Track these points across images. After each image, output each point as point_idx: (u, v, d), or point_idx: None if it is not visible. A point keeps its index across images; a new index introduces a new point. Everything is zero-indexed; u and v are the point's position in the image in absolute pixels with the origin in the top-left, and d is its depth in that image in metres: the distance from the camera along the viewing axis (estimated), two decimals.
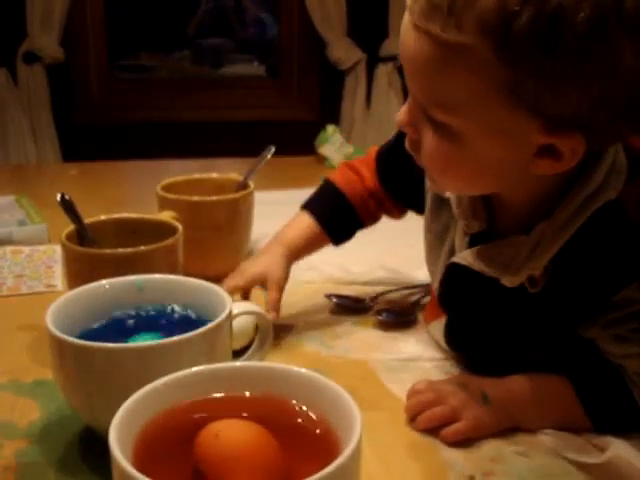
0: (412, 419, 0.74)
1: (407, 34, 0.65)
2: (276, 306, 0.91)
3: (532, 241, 0.71)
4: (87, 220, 0.93)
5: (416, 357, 0.87)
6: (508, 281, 0.74)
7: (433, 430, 0.73)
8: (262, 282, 0.95)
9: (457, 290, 0.83)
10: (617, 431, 0.72)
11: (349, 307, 1.00)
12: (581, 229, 0.70)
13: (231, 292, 0.89)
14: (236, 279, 0.94)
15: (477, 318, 0.82)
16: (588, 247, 0.72)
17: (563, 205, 0.70)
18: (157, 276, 0.76)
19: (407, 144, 0.74)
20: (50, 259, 1.17)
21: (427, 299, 1.03)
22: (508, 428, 0.74)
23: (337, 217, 1.01)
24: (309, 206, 1.02)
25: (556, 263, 0.72)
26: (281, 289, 0.94)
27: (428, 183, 0.84)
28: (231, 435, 0.48)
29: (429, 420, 0.73)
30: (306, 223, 1.01)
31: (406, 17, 0.65)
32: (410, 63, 0.66)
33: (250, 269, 0.95)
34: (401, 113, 0.73)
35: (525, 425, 0.74)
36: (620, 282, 0.71)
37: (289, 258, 0.97)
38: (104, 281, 0.73)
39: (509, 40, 0.57)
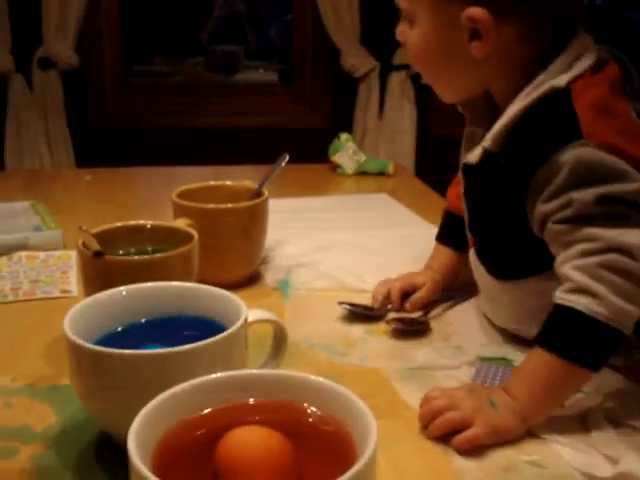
0: (425, 427, 0.75)
1: None
2: (417, 304, 1.03)
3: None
4: (102, 226, 0.94)
5: (429, 366, 0.87)
6: (471, 157, 0.86)
7: (446, 439, 0.73)
8: (415, 287, 1.05)
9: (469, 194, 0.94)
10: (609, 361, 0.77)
11: (362, 315, 1.00)
12: (530, 113, 0.80)
13: (384, 290, 1.04)
14: (391, 281, 1.05)
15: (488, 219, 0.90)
16: (533, 130, 0.80)
17: (525, 90, 0.81)
18: (173, 283, 0.76)
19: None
20: (65, 264, 1.18)
21: (439, 309, 1.03)
22: (519, 436, 0.74)
23: (450, 229, 1.10)
24: (437, 236, 1.13)
25: (509, 142, 0.82)
26: (430, 295, 1.04)
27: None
28: (251, 442, 0.48)
29: (442, 427, 0.73)
30: (437, 249, 1.12)
31: None
32: None
33: (409, 278, 1.06)
34: (397, 28, 0.92)
35: (534, 420, 0.74)
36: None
37: (439, 278, 1.07)
38: (121, 288, 0.74)
39: None
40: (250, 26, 4.38)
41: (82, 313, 0.70)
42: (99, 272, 0.86)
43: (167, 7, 4.55)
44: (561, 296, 0.76)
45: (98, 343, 0.67)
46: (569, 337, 0.75)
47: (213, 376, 0.56)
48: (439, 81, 0.92)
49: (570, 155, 0.77)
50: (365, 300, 1.03)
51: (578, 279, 0.74)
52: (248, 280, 1.11)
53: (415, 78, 0.97)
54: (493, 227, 0.90)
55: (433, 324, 0.98)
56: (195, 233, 0.92)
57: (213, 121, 3.02)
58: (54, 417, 0.76)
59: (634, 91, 4.30)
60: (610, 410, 0.78)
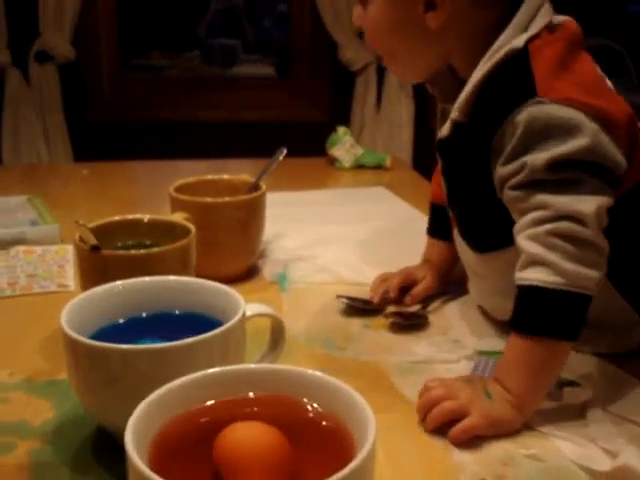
0: (423, 419, 0.75)
1: None
2: (417, 298, 1.03)
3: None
4: (99, 221, 0.93)
5: (428, 359, 0.87)
6: (442, 131, 0.87)
7: (444, 432, 0.73)
8: (414, 281, 1.05)
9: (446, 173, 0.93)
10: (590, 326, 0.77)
11: (360, 309, 1.00)
12: (491, 77, 0.80)
13: (383, 284, 1.04)
14: (390, 275, 1.05)
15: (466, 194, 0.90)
16: (493, 94, 0.80)
17: (485, 56, 0.81)
18: (171, 278, 0.76)
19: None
20: (62, 259, 1.18)
21: (437, 303, 1.03)
22: (516, 428, 0.74)
23: (438, 222, 1.09)
24: (428, 230, 1.12)
25: (474, 109, 0.82)
26: (429, 288, 1.04)
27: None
28: (249, 438, 0.48)
29: (439, 416, 0.73)
30: (430, 243, 1.11)
31: None
32: None
33: (408, 272, 1.06)
34: (353, 11, 0.92)
35: (530, 407, 0.74)
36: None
37: (437, 271, 1.07)
38: (118, 282, 0.74)
39: None
40: (247, 19, 4.38)
41: (79, 308, 0.70)
42: (96, 267, 0.86)
43: (164, 0, 4.54)
44: (518, 275, 0.76)
45: (95, 337, 0.67)
46: (536, 315, 0.75)
47: (210, 371, 0.55)
48: (399, 60, 0.91)
49: (525, 114, 0.76)
50: (363, 294, 1.03)
51: (530, 250, 0.75)
52: (246, 274, 1.11)
53: None
54: (469, 199, 0.90)
55: (431, 318, 0.98)
56: (193, 227, 0.91)
57: (210, 114, 3.02)
58: (52, 412, 0.75)
59: (631, 83, 4.30)
60: (609, 404, 0.78)
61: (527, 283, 0.75)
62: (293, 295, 1.05)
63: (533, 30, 0.81)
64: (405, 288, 1.04)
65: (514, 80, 0.79)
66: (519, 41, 0.80)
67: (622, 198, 0.79)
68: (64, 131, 2.85)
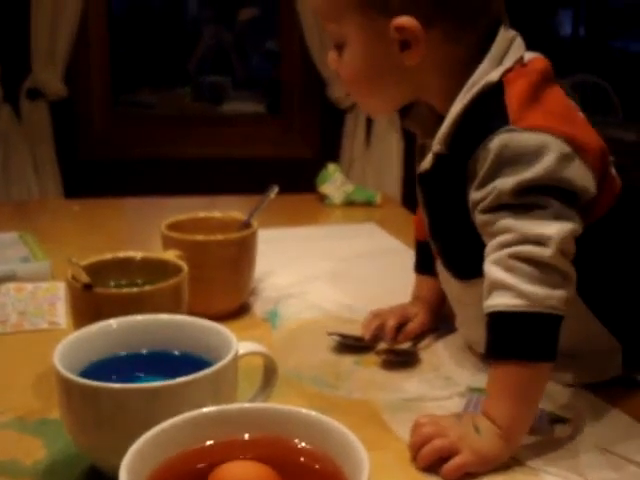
0: (415, 457, 0.75)
1: None
2: (410, 335, 1.03)
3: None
4: (92, 258, 0.94)
5: (419, 397, 0.88)
6: (424, 164, 0.88)
7: (437, 471, 0.73)
8: (407, 318, 1.05)
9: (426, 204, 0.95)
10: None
11: (351, 346, 1.00)
12: (469, 110, 0.83)
13: (375, 321, 1.03)
14: (383, 313, 1.05)
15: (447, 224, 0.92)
16: (471, 125, 0.82)
17: (463, 91, 0.83)
18: (163, 316, 0.76)
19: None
20: (53, 296, 1.18)
21: (428, 339, 1.03)
22: (508, 467, 0.74)
23: (424, 258, 1.08)
24: (415, 267, 1.13)
25: (452, 142, 0.84)
26: (423, 325, 1.05)
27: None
28: (242, 477, 0.48)
29: (429, 454, 0.73)
30: (418, 280, 1.11)
31: None
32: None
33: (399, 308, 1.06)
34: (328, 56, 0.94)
35: (517, 434, 0.75)
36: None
37: (429, 307, 1.07)
38: (111, 320, 0.74)
39: None
40: (237, 56, 4.41)
41: (72, 346, 0.70)
42: (89, 305, 0.86)
43: (154, 37, 4.57)
44: (485, 303, 0.78)
45: (86, 375, 0.67)
46: (507, 339, 0.76)
47: (204, 410, 0.56)
48: (374, 98, 0.93)
49: (497, 141, 0.78)
50: (354, 330, 1.03)
51: (493, 274, 0.77)
52: (237, 311, 1.11)
53: (401, 109, 0.99)
54: (451, 228, 0.91)
55: (422, 355, 0.98)
56: (185, 265, 0.92)
57: (201, 151, 3.03)
58: (43, 451, 0.75)
59: (617, 119, 4.35)
60: (599, 439, 0.78)
61: (492, 310, 0.76)
62: (284, 332, 1.06)
63: (507, 64, 0.84)
64: (398, 326, 1.04)
65: (489, 111, 0.82)
66: (495, 75, 0.82)
67: (595, 225, 0.82)
68: (55, 167, 2.86)
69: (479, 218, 0.81)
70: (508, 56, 0.84)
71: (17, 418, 0.81)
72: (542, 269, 0.75)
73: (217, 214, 1.18)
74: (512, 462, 0.74)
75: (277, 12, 3.21)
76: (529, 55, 0.87)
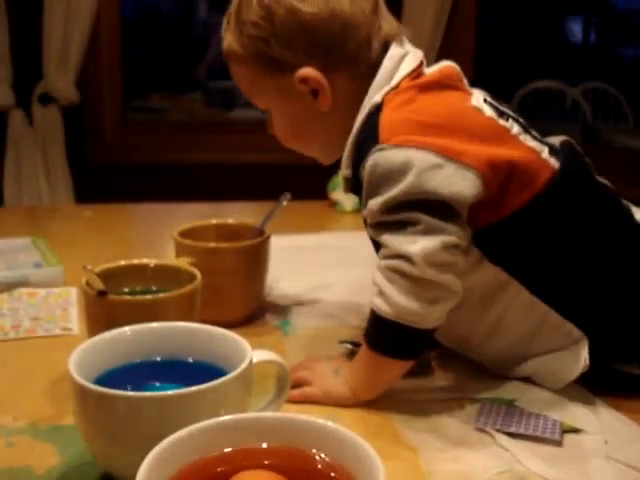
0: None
1: None
2: None
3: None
4: (106, 265, 0.94)
5: (432, 405, 0.88)
6: (343, 187, 0.98)
7: (450, 476, 0.73)
8: None
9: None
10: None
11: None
12: (358, 133, 0.88)
13: None
14: None
15: None
16: (357, 149, 0.89)
17: (358, 116, 0.89)
18: (178, 324, 0.77)
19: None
20: (65, 301, 1.18)
21: (440, 348, 1.03)
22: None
23: None
24: None
25: (352, 164, 0.90)
26: None
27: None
28: None
29: (298, 396, 0.87)
30: None
31: None
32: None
33: None
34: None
35: (364, 396, 0.87)
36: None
37: None
38: (126, 328, 0.74)
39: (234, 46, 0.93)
40: None
41: (87, 353, 0.70)
42: (103, 311, 0.86)
43: (165, 43, 4.59)
44: (371, 299, 0.84)
45: (101, 382, 0.68)
46: (374, 334, 0.85)
47: (220, 419, 0.56)
48: (314, 148, 1.01)
49: (370, 161, 0.83)
50: None
51: (377, 280, 0.83)
52: (249, 319, 1.11)
53: None
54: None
55: (435, 363, 0.98)
56: (198, 273, 0.92)
57: (212, 157, 3.03)
58: (56, 458, 0.75)
59: (628, 126, 4.34)
60: (611, 450, 0.78)
61: (372, 306, 0.84)
62: (296, 340, 1.06)
63: (393, 82, 0.88)
64: None
65: (368, 132, 0.86)
66: (377, 97, 0.88)
67: (526, 214, 0.84)
68: (66, 172, 2.87)
69: (368, 232, 0.88)
70: (396, 74, 0.89)
71: (30, 424, 0.82)
72: (414, 283, 0.80)
73: (230, 221, 1.19)
74: (523, 471, 0.74)
75: None
76: (436, 66, 0.91)
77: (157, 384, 0.71)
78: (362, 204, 0.87)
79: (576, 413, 0.85)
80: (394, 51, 0.91)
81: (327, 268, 1.36)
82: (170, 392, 0.64)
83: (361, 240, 1.57)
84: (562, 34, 5.64)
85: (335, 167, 1.87)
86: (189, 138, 3.12)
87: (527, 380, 0.91)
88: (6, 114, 2.80)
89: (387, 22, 0.92)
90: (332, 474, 0.52)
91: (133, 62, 4.01)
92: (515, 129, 0.88)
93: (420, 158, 0.80)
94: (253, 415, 0.58)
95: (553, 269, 0.87)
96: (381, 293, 0.82)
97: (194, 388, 0.64)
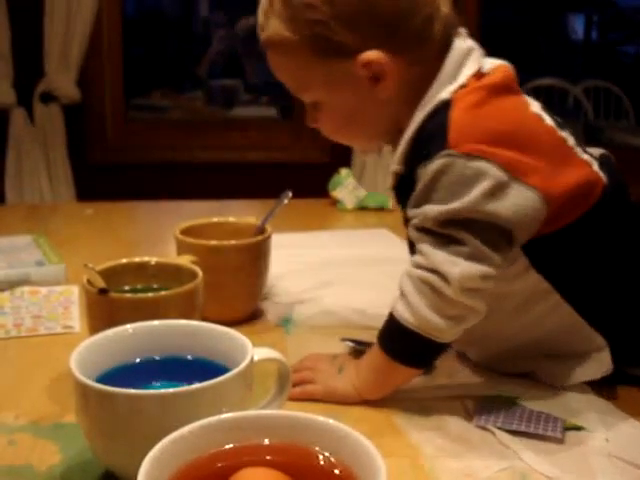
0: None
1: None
2: None
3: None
4: (107, 263, 0.94)
5: (434, 402, 0.88)
6: (387, 182, 0.92)
7: (452, 474, 0.73)
8: None
9: None
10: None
11: (365, 352, 1.00)
12: (420, 129, 0.84)
13: None
14: None
15: None
16: (419, 145, 0.84)
17: (418, 109, 0.86)
18: (179, 322, 0.77)
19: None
20: (67, 300, 1.18)
21: None
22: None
23: None
24: None
25: (407, 161, 0.86)
26: None
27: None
28: None
29: (300, 394, 0.86)
30: None
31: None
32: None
33: None
34: (306, 118, 0.96)
35: (369, 397, 0.86)
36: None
37: None
38: (128, 326, 0.74)
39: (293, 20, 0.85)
40: (248, 60, 4.42)
41: (88, 351, 0.70)
42: (104, 309, 0.86)
43: (166, 41, 4.58)
44: (393, 304, 0.84)
45: (103, 380, 0.68)
46: (390, 338, 0.85)
47: (221, 417, 0.56)
48: (359, 139, 0.97)
49: (435, 165, 0.80)
50: (367, 336, 1.03)
51: (405, 286, 0.82)
52: (250, 316, 1.11)
53: None
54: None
55: (436, 361, 0.98)
56: (199, 271, 0.92)
57: (213, 155, 3.04)
58: (58, 456, 0.75)
59: (629, 124, 4.33)
60: (613, 448, 0.78)
61: (393, 311, 0.83)
62: (297, 338, 1.06)
63: (462, 79, 0.84)
64: None
65: (433, 131, 0.83)
66: (445, 93, 0.84)
67: (574, 227, 0.83)
68: (67, 171, 2.87)
69: (410, 232, 0.84)
70: (463, 71, 0.85)
71: (32, 422, 0.82)
72: (444, 301, 0.80)
73: (231, 219, 1.19)
74: (524, 469, 0.74)
75: None
76: (491, 64, 0.87)
77: (158, 382, 0.71)
78: (408, 202, 0.85)
79: (578, 411, 0.85)
80: (459, 43, 0.87)
81: (328, 266, 1.36)
82: (171, 390, 0.64)
83: (362, 238, 1.58)
84: (564, 32, 5.63)
85: (336, 165, 1.88)
86: (190, 136, 3.12)
87: (529, 378, 0.91)
88: (7, 112, 2.81)
89: (443, 3, 0.87)
90: (334, 471, 0.52)
91: (134, 60, 4.01)
92: (570, 140, 0.87)
93: (488, 174, 0.78)
94: (254, 412, 0.58)
95: (592, 281, 0.87)
96: (406, 301, 0.81)
97: (195, 386, 0.64)
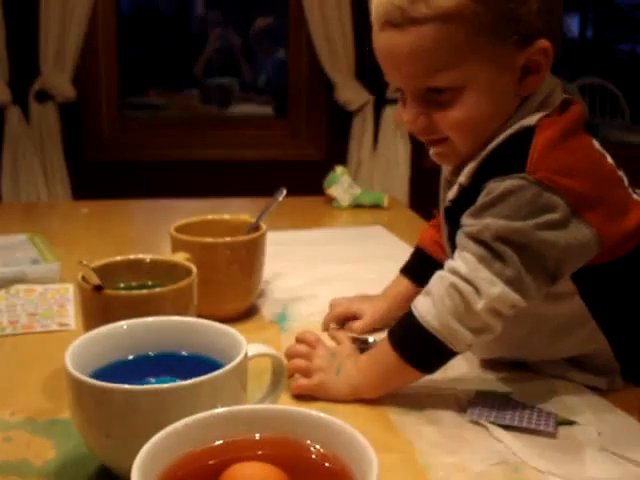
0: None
1: (391, 39, 0.83)
2: (359, 331, 1.06)
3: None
4: (102, 260, 0.94)
5: (427, 397, 0.88)
6: (450, 194, 0.89)
7: (445, 473, 0.73)
8: (355, 314, 1.09)
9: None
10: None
11: (359, 348, 0.99)
12: (499, 149, 0.84)
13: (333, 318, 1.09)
14: (340, 308, 1.10)
15: None
16: (494, 165, 0.83)
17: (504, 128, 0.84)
18: (173, 318, 0.77)
19: (419, 133, 0.88)
20: (63, 297, 1.19)
21: None
22: (513, 469, 0.74)
23: (415, 263, 1.12)
24: (402, 268, 1.14)
25: (477, 176, 0.85)
26: (369, 325, 1.07)
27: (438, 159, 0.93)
28: (252, 477, 0.49)
29: (290, 368, 0.87)
30: (397, 279, 1.13)
31: (379, 27, 0.84)
32: (403, 59, 0.83)
33: (355, 303, 1.10)
34: (406, 114, 0.87)
35: (367, 395, 0.85)
36: None
37: (385, 308, 1.09)
38: (122, 322, 0.75)
39: None
40: (244, 59, 4.42)
41: (83, 347, 0.71)
42: (99, 306, 0.87)
43: (162, 39, 4.58)
44: (417, 298, 0.84)
45: (97, 376, 0.68)
46: (405, 336, 0.84)
47: (215, 411, 0.56)
48: (473, 142, 0.86)
49: (507, 184, 0.80)
50: (372, 335, 1.04)
51: (435, 287, 0.82)
52: (245, 313, 1.12)
53: None
54: None
55: None
56: (194, 268, 0.93)
57: (208, 154, 3.04)
58: (53, 451, 0.76)
59: (625, 122, 4.34)
60: (606, 442, 0.78)
61: (413, 308, 0.83)
62: (292, 335, 1.05)
63: (547, 109, 0.84)
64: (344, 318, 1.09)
65: (513, 154, 0.82)
66: (532, 119, 0.83)
67: (623, 259, 0.84)
68: (63, 169, 2.87)
69: (459, 238, 0.84)
70: (550, 100, 0.85)
71: (27, 419, 0.82)
72: (469, 312, 0.80)
73: (226, 217, 1.19)
74: (518, 463, 0.75)
75: (286, 16, 3.21)
76: (561, 92, 0.87)
77: (153, 378, 0.71)
78: (468, 210, 0.83)
79: (570, 406, 0.85)
80: (551, 75, 0.86)
81: (323, 263, 1.36)
82: (166, 385, 0.64)
83: (357, 235, 1.59)
84: (559, 29, 5.63)
85: (332, 163, 1.88)
86: (186, 135, 3.12)
87: (522, 373, 0.92)
88: (3, 111, 2.81)
89: None
90: (326, 464, 0.53)
91: (130, 59, 4.01)
92: (626, 180, 0.88)
93: (554, 206, 0.79)
94: (247, 407, 0.58)
95: (630, 312, 0.89)
96: (433, 304, 0.81)
97: (190, 381, 0.64)
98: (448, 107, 0.84)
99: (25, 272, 1.25)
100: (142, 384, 0.68)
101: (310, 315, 1.12)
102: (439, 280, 0.82)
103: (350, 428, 0.53)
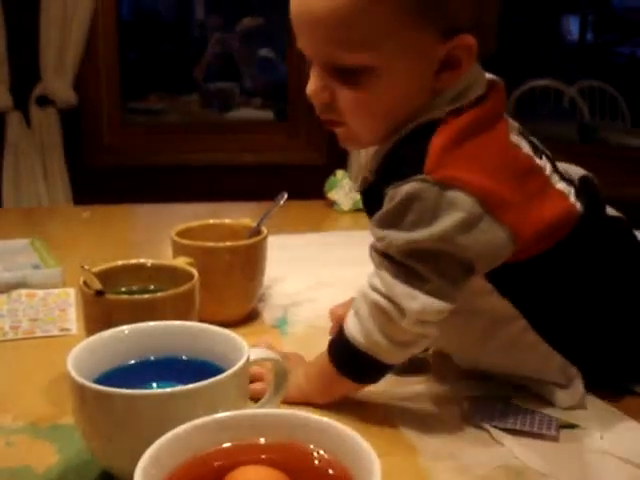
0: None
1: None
2: None
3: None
4: (103, 265, 0.94)
5: (429, 402, 0.88)
6: (358, 186, 0.89)
7: (448, 472, 0.73)
8: None
9: None
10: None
11: None
12: (402, 141, 0.81)
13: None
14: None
15: None
16: (394, 160, 0.81)
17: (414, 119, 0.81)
18: (175, 323, 0.77)
19: (319, 110, 0.85)
20: (64, 302, 1.19)
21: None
22: (516, 472, 0.74)
23: None
24: None
25: (380, 170, 0.83)
26: None
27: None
28: None
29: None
30: None
31: None
32: (315, 21, 0.78)
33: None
34: (311, 84, 0.84)
35: (315, 401, 0.85)
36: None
37: None
38: (124, 327, 0.75)
39: None
40: (244, 63, 4.42)
41: (85, 352, 0.71)
42: (101, 311, 0.87)
43: (162, 44, 4.59)
44: (346, 319, 0.83)
45: (100, 381, 0.68)
46: (337, 350, 0.84)
47: (217, 416, 0.56)
48: (375, 131, 0.84)
49: (408, 188, 0.76)
50: None
51: (359, 307, 0.81)
52: (246, 318, 1.12)
53: None
54: None
55: (432, 360, 0.99)
56: (195, 272, 0.93)
57: (209, 158, 3.04)
58: (56, 457, 0.76)
59: (625, 125, 4.34)
60: (608, 445, 0.78)
61: (345, 326, 0.82)
62: (294, 339, 1.06)
63: (461, 102, 0.80)
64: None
65: (414, 150, 0.78)
66: (441, 113, 0.79)
67: (545, 257, 0.81)
68: (64, 174, 2.87)
69: (370, 253, 0.82)
70: (468, 93, 0.81)
71: (30, 424, 0.82)
72: (396, 329, 0.79)
73: (227, 221, 1.19)
74: (520, 467, 0.75)
75: (284, 19, 3.22)
76: (483, 85, 0.83)
77: (155, 383, 0.71)
78: (373, 216, 0.82)
79: (572, 410, 0.85)
80: (476, 66, 0.82)
81: (324, 267, 1.36)
82: (168, 390, 0.64)
83: (358, 239, 1.58)
84: (559, 32, 5.64)
85: (333, 167, 1.88)
86: (186, 139, 3.12)
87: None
88: (4, 116, 2.80)
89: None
90: (329, 470, 0.53)
91: (131, 64, 4.01)
92: (548, 168, 0.84)
93: (460, 205, 0.75)
94: (250, 412, 0.58)
95: (562, 310, 0.85)
96: (359, 323, 0.80)
97: (192, 386, 0.64)
98: (353, 87, 0.79)
99: (27, 277, 1.25)
100: (144, 389, 0.68)
101: (311, 319, 1.12)
102: (362, 300, 0.80)
103: (352, 432, 0.53)
